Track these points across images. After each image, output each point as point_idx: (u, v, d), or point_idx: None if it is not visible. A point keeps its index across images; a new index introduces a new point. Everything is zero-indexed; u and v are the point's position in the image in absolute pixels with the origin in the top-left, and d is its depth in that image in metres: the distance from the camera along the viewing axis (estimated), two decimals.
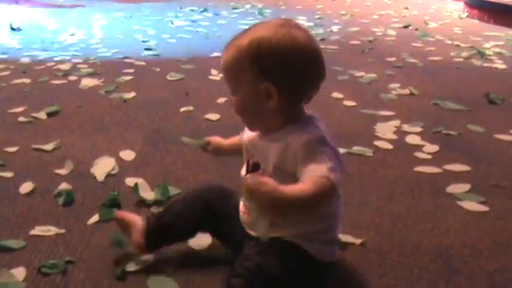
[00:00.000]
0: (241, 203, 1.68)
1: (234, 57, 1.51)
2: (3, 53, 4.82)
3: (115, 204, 2.11)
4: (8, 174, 2.41)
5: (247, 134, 1.64)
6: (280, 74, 1.48)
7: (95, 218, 2.03)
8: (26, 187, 2.29)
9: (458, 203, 2.20)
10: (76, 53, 4.79)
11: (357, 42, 5.39)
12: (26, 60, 4.53)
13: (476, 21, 6.95)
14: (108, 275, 1.71)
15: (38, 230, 1.95)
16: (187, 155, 2.60)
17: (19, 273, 1.72)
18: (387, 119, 3.12)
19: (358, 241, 1.89)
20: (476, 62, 4.61)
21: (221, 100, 3.42)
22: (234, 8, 7.64)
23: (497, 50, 5.14)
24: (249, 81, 1.50)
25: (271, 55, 1.47)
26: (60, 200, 2.16)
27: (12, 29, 5.96)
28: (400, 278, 1.72)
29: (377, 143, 2.77)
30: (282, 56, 1.47)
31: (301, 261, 1.54)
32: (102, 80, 3.88)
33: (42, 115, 3.13)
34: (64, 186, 2.27)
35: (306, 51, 1.49)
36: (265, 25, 1.53)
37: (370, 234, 1.95)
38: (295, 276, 1.53)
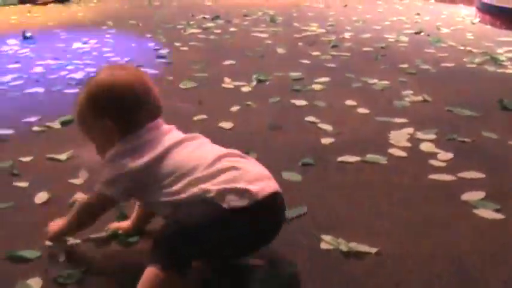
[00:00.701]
0: None
1: (78, 106, 1.81)
2: (16, 62, 4.84)
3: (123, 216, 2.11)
4: (23, 184, 2.43)
5: None
6: (109, 109, 1.75)
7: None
8: (41, 197, 2.30)
9: (474, 210, 2.19)
10: (89, 62, 4.81)
11: (370, 48, 5.38)
12: (39, 69, 4.55)
13: (488, 26, 6.92)
14: (123, 285, 1.71)
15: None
16: None
17: (35, 283, 1.72)
18: (401, 126, 3.12)
19: (373, 250, 1.89)
20: (490, 68, 4.59)
21: (234, 108, 3.42)
22: (246, 15, 7.65)
23: (510, 55, 5.12)
24: (91, 121, 1.79)
25: (100, 95, 1.76)
26: None
27: (25, 37, 5.99)
28: (416, 286, 1.72)
29: (391, 150, 2.76)
30: (107, 94, 1.75)
31: (204, 207, 1.61)
32: None
33: (56, 124, 3.15)
34: (79, 195, 2.27)
35: (126, 86, 1.74)
36: (98, 71, 1.84)
37: (385, 242, 1.95)
38: (205, 219, 1.59)
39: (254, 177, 1.64)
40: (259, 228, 1.64)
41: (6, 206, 2.23)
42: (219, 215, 1.58)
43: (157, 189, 1.69)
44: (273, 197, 1.65)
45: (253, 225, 1.61)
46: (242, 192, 1.59)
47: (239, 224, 1.59)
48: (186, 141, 1.77)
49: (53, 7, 8.87)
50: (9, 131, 3.08)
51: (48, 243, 1.92)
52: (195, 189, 1.62)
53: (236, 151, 1.77)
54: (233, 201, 1.58)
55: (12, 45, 5.71)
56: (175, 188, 1.65)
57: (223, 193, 1.59)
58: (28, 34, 6.05)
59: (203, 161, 1.67)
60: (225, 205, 1.57)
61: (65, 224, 1.86)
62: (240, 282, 1.71)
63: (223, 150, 1.76)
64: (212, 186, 1.60)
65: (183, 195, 1.63)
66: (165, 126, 1.82)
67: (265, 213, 1.63)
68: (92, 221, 1.84)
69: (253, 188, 1.60)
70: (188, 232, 1.56)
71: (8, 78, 4.27)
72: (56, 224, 1.90)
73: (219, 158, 1.69)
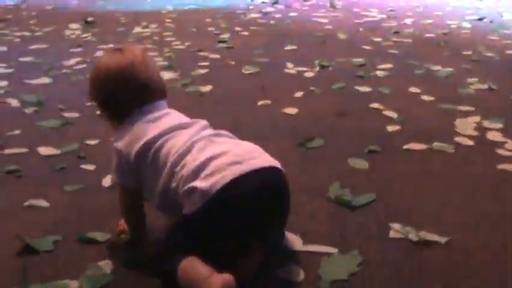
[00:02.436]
0: None
1: None
2: (79, 46, 4.90)
3: None
4: (90, 167, 2.45)
5: None
6: (96, 94, 1.82)
7: None
8: (108, 180, 2.32)
9: None
10: (150, 46, 4.84)
11: (432, 35, 5.31)
12: (101, 53, 4.59)
13: None
14: None
15: (122, 223, 1.97)
16: (268, 148, 2.59)
17: (106, 265, 1.74)
18: (466, 114, 3.07)
19: (443, 240, 1.86)
20: None
21: (298, 94, 3.41)
22: (306, 0, 7.62)
23: None
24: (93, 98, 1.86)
25: (91, 78, 1.83)
26: None
27: (87, 22, 6.05)
28: (487, 279, 1.69)
29: (457, 139, 2.72)
30: (93, 80, 1.82)
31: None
32: (178, 73, 3.91)
33: None
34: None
35: (108, 73, 1.77)
36: None
37: (454, 233, 1.92)
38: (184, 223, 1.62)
39: (214, 168, 1.59)
40: (233, 216, 1.56)
41: (75, 188, 2.26)
42: (183, 220, 1.62)
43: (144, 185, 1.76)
44: (240, 181, 1.56)
45: (221, 218, 1.56)
46: (194, 192, 1.57)
47: (206, 223, 1.57)
48: (166, 135, 1.72)
49: None
50: (75, 114, 3.11)
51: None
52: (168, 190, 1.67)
53: (208, 131, 1.77)
54: (188, 207, 1.59)
55: (75, 29, 5.78)
56: (155, 185, 1.71)
57: (181, 196, 1.61)
58: (89, 19, 6.11)
59: (172, 155, 1.67)
60: (184, 211, 1.60)
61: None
62: (310, 269, 1.71)
63: (196, 134, 1.73)
64: (174, 184, 1.63)
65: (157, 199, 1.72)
66: (157, 113, 1.80)
67: (231, 202, 1.55)
68: (133, 212, 1.84)
69: (203, 185, 1.55)
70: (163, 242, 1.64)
71: (71, 62, 4.32)
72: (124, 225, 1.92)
73: (188, 150, 1.66)
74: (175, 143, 1.69)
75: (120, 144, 1.75)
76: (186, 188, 1.59)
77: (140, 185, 1.76)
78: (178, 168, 1.64)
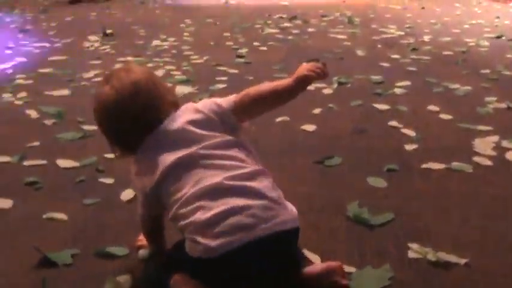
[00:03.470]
0: None
1: None
2: (98, 58, 4.93)
3: None
4: (109, 181, 2.46)
5: None
6: (102, 128, 1.71)
7: None
8: (127, 194, 2.33)
9: None
10: (168, 59, 4.86)
11: (450, 52, 5.30)
12: (120, 65, 4.61)
13: None
14: None
15: (141, 238, 1.98)
16: (287, 166, 2.60)
17: (125, 281, 1.75)
18: (485, 134, 3.06)
19: (462, 261, 1.85)
20: None
21: (317, 111, 3.41)
22: (323, 16, 7.63)
23: None
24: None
25: (94, 113, 1.72)
26: None
27: (105, 34, 6.08)
28: None
29: (476, 159, 2.71)
30: (95, 114, 1.71)
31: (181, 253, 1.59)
32: (196, 88, 3.92)
33: None
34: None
35: (106, 106, 1.65)
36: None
37: (473, 254, 1.91)
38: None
39: (223, 228, 1.49)
40: (232, 278, 1.52)
41: (93, 202, 2.27)
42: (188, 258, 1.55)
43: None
44: (246, 250, 1.48)
45: (219, 276, 1.52)
46: (199, 245, 1.50)
47: (204, 273, 1.53)
48: (172, 174, 1.60)
49: (130, 5, 8.99)
50: (94, 127, 3.12)
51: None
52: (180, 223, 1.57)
53: (241, 170, 1.60)
54: (190, 250, 1.53)
55: (93, 41, 5.81)
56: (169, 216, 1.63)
57: (186, 238, 1.55)
58: (108, 31, 6.15)
59: (177, 199, 1.57)
60: (186, 249, 1.55)
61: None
62: None
63: (205, 172, 1.58)
64: (181, 223, 1.56)
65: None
66: (163, 144, 1.64)
67: (233, 267, 1.50)
68: (153, 226, 1.82)
69: (209, 244, 1.48)
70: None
71: (90, 74, 4.35)
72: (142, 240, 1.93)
73: (194, 197, 1.55)
74: (182, 185, 1.58)
75: (138, 183, 1.68)
76: (191, 237, 1.52)
77: (164, 210, 1.69)
78: (186, 210, 1.55)
